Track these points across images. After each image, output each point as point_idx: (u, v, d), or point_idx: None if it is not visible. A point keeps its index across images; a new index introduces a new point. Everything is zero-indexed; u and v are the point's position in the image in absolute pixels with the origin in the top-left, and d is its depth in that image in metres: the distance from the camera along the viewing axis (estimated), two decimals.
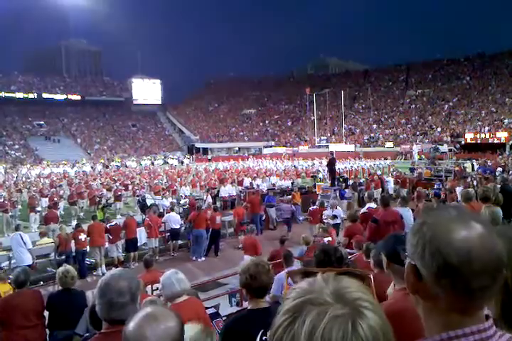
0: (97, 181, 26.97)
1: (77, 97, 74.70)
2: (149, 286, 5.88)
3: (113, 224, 12.18)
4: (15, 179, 31.39)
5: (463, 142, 46.92)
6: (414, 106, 60.92)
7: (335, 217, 12.91)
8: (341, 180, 20.96)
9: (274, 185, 22.79)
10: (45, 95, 71.53)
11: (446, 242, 0.85)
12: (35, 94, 70.67)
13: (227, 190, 20.41)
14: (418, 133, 53.19)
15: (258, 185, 21.76)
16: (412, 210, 8.49)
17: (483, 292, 0.87)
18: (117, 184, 23.35)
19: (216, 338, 2.40)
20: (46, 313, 4.88)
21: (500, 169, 22.11)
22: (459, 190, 12.24)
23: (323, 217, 13.12)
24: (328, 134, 59.58)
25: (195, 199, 17.52)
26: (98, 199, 18.92)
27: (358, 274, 0.73)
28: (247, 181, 23.56)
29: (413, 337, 0.99)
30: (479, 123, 49.62)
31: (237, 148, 65.40)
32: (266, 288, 2.67)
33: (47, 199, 18.81)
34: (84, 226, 11.98)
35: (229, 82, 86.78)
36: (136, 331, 1.36)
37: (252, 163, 43.96)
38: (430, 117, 56.14)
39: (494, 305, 1.18)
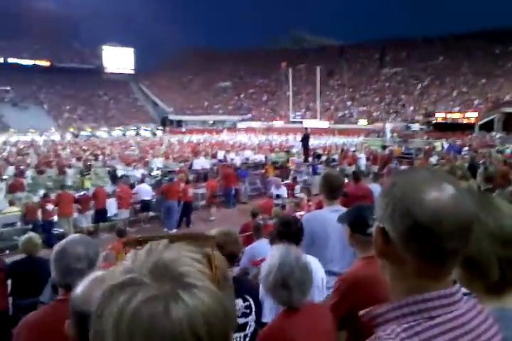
0: (66, 150, 26.36)
1: (45, 63, 72.08)
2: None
3: (82, 193, 11.99)
4: None
5: (434, 121, 47.70)
6: (388, 84, 61.35)
7: (278, 196, 12.44)
8: (314, 155, 21.09)
9: (247, 159, 22.77)
10: (11, 60, 68.71)
11: (417, 202, 0.82)
12: (1, 59, 67.79)
13: (200, 163, 20.27)
14: (391, 111, 53.75)
15: (232, 159, 21.69)
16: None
17: (453, 255, 0.84)
18: (87, 154, 22.89)
19: None
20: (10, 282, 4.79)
21: (466, 148, 22.70)
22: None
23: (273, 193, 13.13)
24: (303, 110, 59.54)
25: (168, 172, 17.35)
26: (85, 167, 18.41)
27: (199, 237, 0.59)
28: (220, 154, 23.45)
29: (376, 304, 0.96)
30: (450, 103, 50.43)
31: (211, 122, 64.76)
32: (233, 257, 2.64)
33: (13, 167, 18.31)
34: (53, 196, 11.75)
35: (204, 53, 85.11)
36: (83, 294, 1.31)
37: (226, 136, 43.71)
38: (403, 96, 56.72)
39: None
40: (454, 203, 0.82)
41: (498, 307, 1.13)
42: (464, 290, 1.22)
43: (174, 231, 12.60)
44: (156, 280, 0.56)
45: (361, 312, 0.90)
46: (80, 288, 1.34)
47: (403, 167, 12.60)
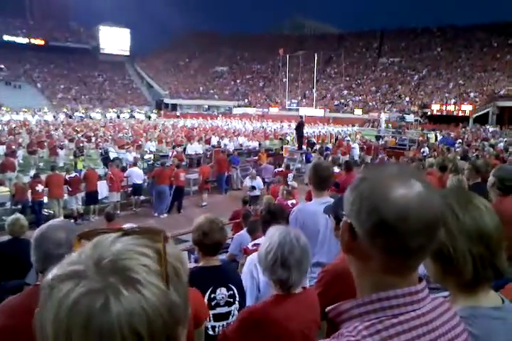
0: (58, 131, 26.15)
1: (40, 42, 71.09)
2: None
3: (73, 175, 11.90)
4: None
5: (429, 113, 47.73)
6: (385, 74, 61.14)
7: (253, 188, 12.09)
8: (308, 144, 21.07)
9: (241, 145, 22.72)
10: (6, 37, 67.67)
11: (383, 199, 0.81)
12: None
13: (194, 148, 20.21)
14: (387, 101, 53.68)
15: (225, 145, 21.64)
16: None
17: (419, 252, 0.84)
18: (80, 135, 22.72)
19: None
20: None
21: (459, 141, 22.78)
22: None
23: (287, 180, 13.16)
24: (299, 97, 59.30)
25: (161, 156, 17.29)
26: (78, 149, 18.27)
27: (151, 231, 0.57)
28: (214, 140, 23.38)
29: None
30: (446, 94, 50.43)
31: (206, 106, 64.40)
32: (218, 245, 2.64)
33: (4, 146, 18.17)
34: (43, 177, 11.67)
35: (202, 37, 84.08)
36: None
37: (221, 122, 43.52)
38: (400, 86, 56.60)
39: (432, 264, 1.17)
40: (420, 201, 0.81)
41: (470, 306, 1.14)
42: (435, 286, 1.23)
43: (165, 216, 12.62)
44: (98, 274, 0.54)
45: (328, 308, 0.90)
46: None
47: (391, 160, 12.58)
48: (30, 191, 10.96)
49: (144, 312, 0.53)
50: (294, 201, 9.27)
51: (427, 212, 0.81)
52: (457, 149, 15.40)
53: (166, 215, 12.66)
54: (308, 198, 8.43)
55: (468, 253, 1.14)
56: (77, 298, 0.53)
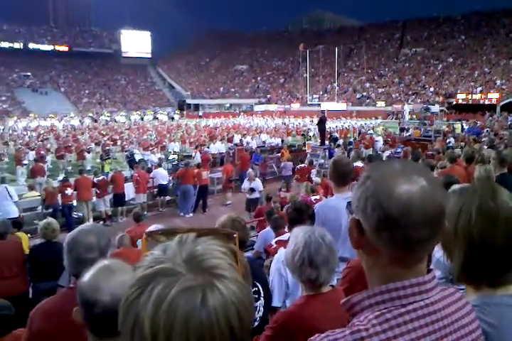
0: (84, 135, 26.69)
1: (64, 48, 72.60)
2: (139, 240, 5.94)
3: (100, 178, 12.15)
4: (1, 131, 30.99)
5: (454, 102, 46.69)
6: (407, 64, 60.08)
7: (252, 190, 11.45)
8: (331, 139, 20.93)
9: (264, 142, 22.74)
10: (31, 45, 69.40)
11: (387, 195, 0.85)
12: (21, 44, 68.42)
13: (217, 147, 20.35)
14: (410, 92, 52.77)
15: (248, 143, 21.70)
16: None
17: (423, 244, 0.87)
18: (105, 138, 23.14)
19: None
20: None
21: (487, 129, 22.18)
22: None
23: (311, 175, 13.10)
24: (321, 92, 58.87)
25: (184, 156, 17.46)
26: (104, 152, 18.64)
27: (224, 233, 0.64)
28: (236, 138, 23.46)
29: None
30: (472, 83, 49.25)
31: (228, 105, 64.64)
32: (241, 244, 2.68)
33: (34, 152, 18.65)
34: (72, 181, 11.95)
35: (221, 37, 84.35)
36: (90, 282, 1.35)
37: (243, 120, 43.61)
38: (423, 77, 55.53)
39: (456, 259, 1.19)
40: (422, 195, 0.85)
41: (482, 295, 1.16)
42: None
43: (190, 215, 12.76)
44: (191, 271, 0.59)
45: (342, 301, 0.94)
46: (87, 277, 1.38)
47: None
48: (60, 195, 11.24)
49: (234, 306, 0.59)
50: (317, 196, 9.27)
51: (430, 205, 0.85)
52: (484, 139, 15.04)
53: (191, 215, 12.80)
54: (327, 193, 8.39)
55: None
56: (176, 295, 0.57)
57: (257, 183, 11.80)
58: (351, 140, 22.13)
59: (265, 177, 16.88)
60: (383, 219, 0.84)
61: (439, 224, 0.87)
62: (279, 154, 18.04)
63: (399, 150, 15.87)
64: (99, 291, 1.32)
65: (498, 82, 47.37)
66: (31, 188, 12.20)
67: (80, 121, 42.90)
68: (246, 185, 11.84)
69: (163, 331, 0.56)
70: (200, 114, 57.98)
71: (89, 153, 20.13)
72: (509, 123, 28.57)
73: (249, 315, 0.62)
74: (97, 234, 1.92)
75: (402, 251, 0.86)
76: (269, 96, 64.37)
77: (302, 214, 3.29)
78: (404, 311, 0.85)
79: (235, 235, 0.70)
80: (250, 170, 12.65)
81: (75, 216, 11.70)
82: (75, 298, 1.43)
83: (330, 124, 27.04)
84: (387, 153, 15.95)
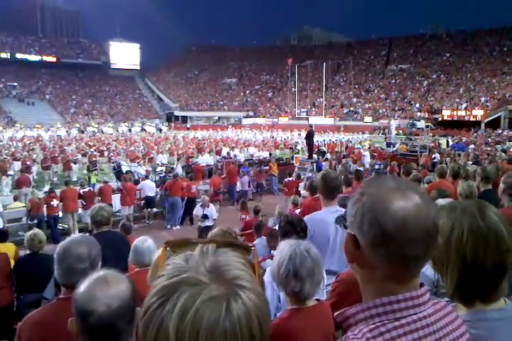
0: (71, 146, 26.50)
1: (52, 59, 72.28)
2: None
3: (86, 189, 12.05)
4: None
5: (440, 119, 47.43)
6: (394, 81, 61.06)
7: (205, 217, 10.53)
8: (319, 152, 21.07)
9: (252, 155, 22.80)
10: (18, 55, 68.98)
11: (383, 211, 0.87)
12: (8, 54, 68.02)
13: (205, 159, 20.34)
14: (397, 108, 53.53)
15: (236, 155, 21.74)
16: None
17: (418, 260, 0.89)
18: (92, 149, 23.00)
19: None
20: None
21: (472, 146, 22.57)
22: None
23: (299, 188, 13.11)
24: (309, 106, 59.39)
25: (172, 168, 17.40)
26: (91, 163, 18.46)
27: (242, 246, 0.68)
28: (224, 151, 23.50)
29: None
30: (457, 100, 50.15)
31: (216, 118, 64.79)
32: None
33: (19, 162, 18.43)
34: (58, 192, 11.82)
35: (210, 50, 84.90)
36: (86, 293, 1.35)
37: (231, 133, 43.72)
38: (409, 93, 56.46)
39: (449, 278, 1.22)
40: (417, 212, 0.87)
41: (473, 310, 1.19)
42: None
43: (177, 227, 12.67)
44: (215, 281, 0.61)
45: (336, 313, 0.96)
46: (82, 288, 1.38)
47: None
48: (45, 206, 11.11)
49: (256, 317, 0.61)
50: (298, 210, 9.28)
51: (423, 223, 0.87)
52: (469, 155, 15.25)
53: (178, 227, 12.73)
54: (310, 205, 8.38)
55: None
56: (201, 304, 0.58)
57: (211, 210, 10.78)
58: (344, 153, 22.33)
59: (262, 188, 16.94)
60: (380, 235, 0.86)
61: (434, 240, 0.90)
62: (267, 167, 18.10)
63: (376, 166, 16.09)
64: (94, 301, 1.32)
65: (483, 98, 48.32)
66: (16, 199, 12.03)
67: (67, 131, 42.57)
68: (199, 211, 10.74)
69: (189, 340, 0.57)
70: (188, 126, 57.99)
71: (75, 164, 19.96)
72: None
73: (268, 327, 0.64)
74: (87, 245, 1.93)
75: (397, 266, 0.88)
76: (257, 109, 64.73)
77: (296, 228, 3.32)
78: (398, 324, 0.87)
79: (252, 248, 0.73)
80: (204, 196, 11.49)
81: (60, 227, 11.56)
82: (66, 309, 1.43)
83: (318, 138, 27.24)
84: (376, 166, 16.12)
